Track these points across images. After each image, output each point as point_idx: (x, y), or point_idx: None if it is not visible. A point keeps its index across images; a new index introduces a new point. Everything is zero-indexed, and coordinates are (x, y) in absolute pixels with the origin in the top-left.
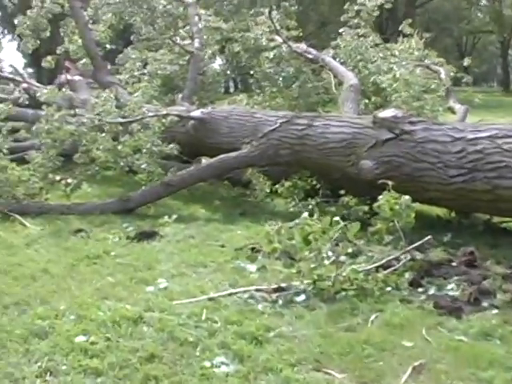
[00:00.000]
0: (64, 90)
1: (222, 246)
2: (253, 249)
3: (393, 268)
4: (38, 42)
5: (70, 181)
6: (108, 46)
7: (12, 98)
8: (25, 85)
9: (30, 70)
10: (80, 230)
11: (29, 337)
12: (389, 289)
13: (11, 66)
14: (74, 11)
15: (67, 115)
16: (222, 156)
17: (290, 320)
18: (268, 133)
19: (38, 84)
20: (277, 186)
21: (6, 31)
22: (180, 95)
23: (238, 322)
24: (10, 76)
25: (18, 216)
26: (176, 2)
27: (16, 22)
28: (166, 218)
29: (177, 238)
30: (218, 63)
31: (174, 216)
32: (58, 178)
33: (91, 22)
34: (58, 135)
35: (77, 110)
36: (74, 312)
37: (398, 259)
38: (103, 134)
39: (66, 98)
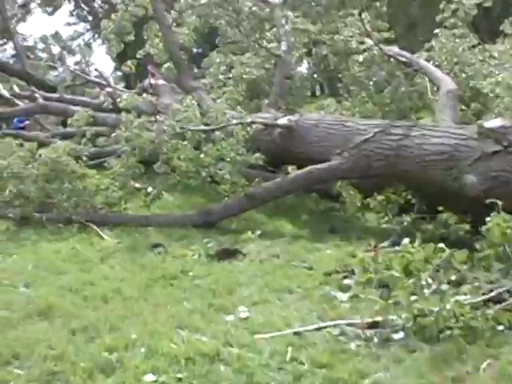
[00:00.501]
0: (145, 95)
1: (310, 269)
2: (345, 276)
3: (506, 303)
4: (123, 45)
5: (150, 190)
6: (194, 50)
7: (96, 102)
8: (109, 89)
9: (119, 74)
10: (158, 245)
11: (94, 371)
12: (501, 328)
13: (96, 69)
14: (158, 14)
15: (147, 122)
16: (310, 167)
17: (387, 364)
18: (360, 143)
19: (121, 88)
20: (368, 199)
21: (96, 36)
22: (266, 101)
23: (328, 364)
24: (96, 80)
25: (95, 227)
26: (262, 3)
27: (101, 25)
28: (249, 233)
29: (260, 257)
30: (304, 67)
31: (258, 232)
32: (137, 185)
33: (175, 24)
34: (138, 143)
35: (158, 117)
36: (144, 343)
37: (510, 291)
38: (185, 143)
39: (148, 103)
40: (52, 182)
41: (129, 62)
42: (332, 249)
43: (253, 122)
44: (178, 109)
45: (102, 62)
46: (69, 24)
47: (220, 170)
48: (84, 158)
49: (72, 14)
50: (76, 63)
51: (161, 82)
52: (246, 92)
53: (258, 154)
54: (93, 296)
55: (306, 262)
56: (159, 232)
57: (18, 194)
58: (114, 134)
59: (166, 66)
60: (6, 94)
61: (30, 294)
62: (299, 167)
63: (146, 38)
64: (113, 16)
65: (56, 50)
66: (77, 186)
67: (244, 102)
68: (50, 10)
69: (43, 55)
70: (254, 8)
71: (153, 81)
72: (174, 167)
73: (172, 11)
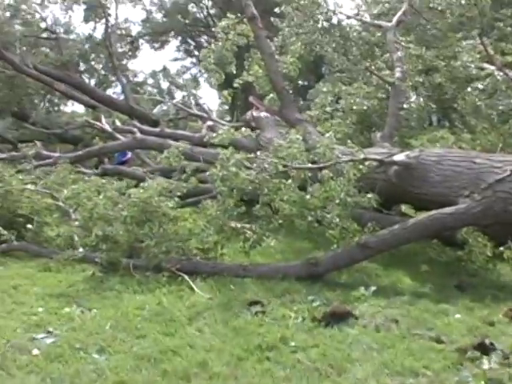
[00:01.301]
0: (245, 128)
1: (438, 341)
2: (483, 351)
3: None
4: (225, 76)
5: (248, 234)
6: (299, 82)
7: (197, 136)
8: (210, 122)
9: (226, 108)
10: (255, 303)
11: None
12: None
13: (197, 103)
14: (259, 41)
15: (246, 159)
16: (433, 212)
17: None
18: (494, 183)
19: (223, 122)
20: (501, 248)
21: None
22: (379, 134)
23: None
24: (198, 113)
25: (186, 277)
26: (373, 27)
27: (200, 56)
28: (362, 289)
29: (376, 322)
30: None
31: (372, 288)
32: (236, 225)
33: (278, 53)
34: (235, 183)
35: (258, 153)
36: None
37: None
38: (288, 182)
39: (249, 138)
40: (142, 225)
41: (225, 93)
42: (462, 312)
43: (365, 159)
44: (281, 144)
45: (209, 95)
46: (176, 59)
47: (328, 213)
48: (176, 199)
49: (179, 49)
50: (184, 97)
51: (263, 114)
52: (356, 125)
53: (371, 195)
54: (173, 370)
55: (432, 329)
56: (258, 284)
57: (105, 237)
58: (208, 173)
59: (268, 97)
60: (108, 128)
61: (102, 364)
62: (418, 209)
63: (246, 67)
64: (212, 45)
65: (165, 84)
66: (168, 229)
67: (354, 135)
68: (157, 45)
69: (152, 90)
70: (363, 33)
71: (255, 113)
72: (277, 209)
73: (275, 39)
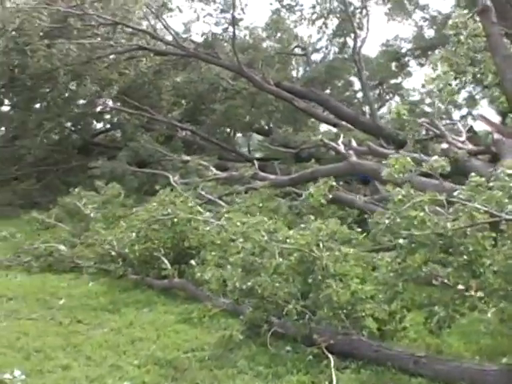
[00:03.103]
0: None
1: None
2: None
3: None
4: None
5: (437, 309)
6: None
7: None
8: (445, 145)
9: None
10: None
11: None
12: None
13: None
14: (493, 40)
15: (433, 201)
16: None
17: None
18: None
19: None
20: None
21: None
22: None
23: None
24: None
25: (332, 361)
26: None
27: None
28: None
29: None
30: None
31: None
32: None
33: None
34: (418, 235)
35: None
36: None
37: None
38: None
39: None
40: (298, 278)
41: None
42: None
43: None
44: (482, 183)
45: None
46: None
47: None
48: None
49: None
50: (462, 117)
51: (504, 137)
52: None
53: None
54: None
55: None
56: None
57: (250, 291)
58: (371, 220)
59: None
60: (341, 148)
61: None
62: None
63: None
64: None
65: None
66: (326, 289)
67: None
68: (423, 61)
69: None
70: None
71: (496, 135)
72: (477, 275)
73: None
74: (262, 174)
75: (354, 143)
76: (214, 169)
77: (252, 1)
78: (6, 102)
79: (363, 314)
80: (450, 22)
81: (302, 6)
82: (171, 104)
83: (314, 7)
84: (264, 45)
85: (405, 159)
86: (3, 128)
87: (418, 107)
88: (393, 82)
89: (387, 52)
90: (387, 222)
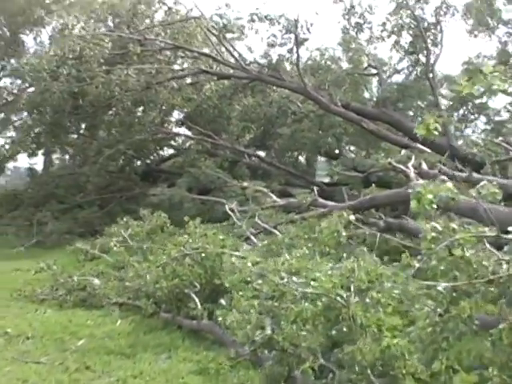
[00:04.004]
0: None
1: None
2: None
3: None
4: None
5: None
6: None
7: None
8: None
9: None
10: None
11: None
12: None
13: None
14: None
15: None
16: None
17: None
18: None
19: None
20: None
21: None
22: None
23: None
24: None
25: None
26: None
27: None
28: None
29: None
30: None
31: None
32: None
33: None
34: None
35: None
36: None
37: None
38: None
39: None
40: (323, 327)
41: None
42: None
43: None
44: None
45: None
46: None
47: None
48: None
49: None
50: None
51: None
52: None
53: None
54: None
55: None
56: None
57: (269, 341)
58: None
59: None
60: (411, 172)
61: None
62: None
63: None
64: None
65: None
66: (352, 344)
67: None
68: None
69: None
70: None
71: None
72: None
73: None
74: (322, 200)
75: (424, 166)
76: (273, 195)
77: (322, 21)
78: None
79: (402, 372)
80: None
81: (370, 23)
82: (241, 129)
83: (383, 24)
84: (335, 65)
85: (438, 187)
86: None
87: (504, 127)
88: (478, 101)
89: (469, 70)
90: (417, 264)
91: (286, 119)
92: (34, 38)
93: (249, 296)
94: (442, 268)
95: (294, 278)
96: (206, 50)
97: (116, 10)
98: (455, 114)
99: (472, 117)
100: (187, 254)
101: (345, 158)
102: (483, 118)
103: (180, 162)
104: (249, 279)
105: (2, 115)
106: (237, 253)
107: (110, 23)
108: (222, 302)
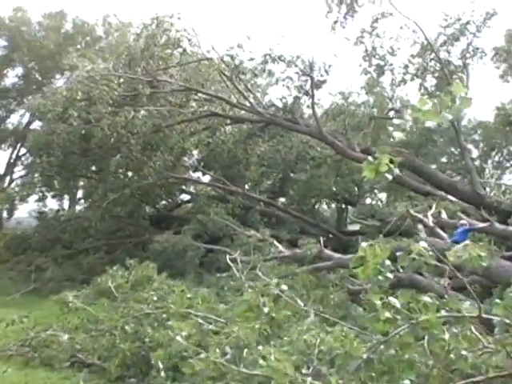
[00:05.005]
0: None
1: None
2: None
3: None
4: None
5: None
6: None
7: None
8: None
9: None
10: None
11: None
12: None
13: None
14: None
15: None
16: None
17: None
18: None
19: None
20: None
21: None
22: None
23: None
24: None
25: None
26: None
27: None
28: None
29: None
30: None
31: None
32: None
33: None
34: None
35: None
36: None
37: None
38: None
39: None
40: None
41: None
42: None
43: None
44: None
45: None
46: None
47: None
48: None
49: None
50: None
51: None
52: None
53: None
54: None
55: None
56: None
57: None
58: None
59: None
60: (429, 221)
61: None
62: None
63: None
64: None
65: None
66: None
67: None
68: None
69: None
70: None
71: None
72: None
73: None
74: (329, 252)
75: (444, 215)
76: (279, 245)
77: (342, 64)
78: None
79: None
80: None
81: (391, 65)
82: (259, 175)
83: (406, 67)
84: (358, 109)
85: (386, 249)
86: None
87: None
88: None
89: (502, 116)
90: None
91: (305, 165)
92: (65, 82)
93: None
94: (405, 357)
95: (244, 353)
96: (222, 93)
97: (131, 51)
98: (489, 160)
99: (508, 164)
100: (149, 314)
101: (363, 206)
102: None
103: (191, 208)
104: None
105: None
106: (200, 313)
107: (124, 65)
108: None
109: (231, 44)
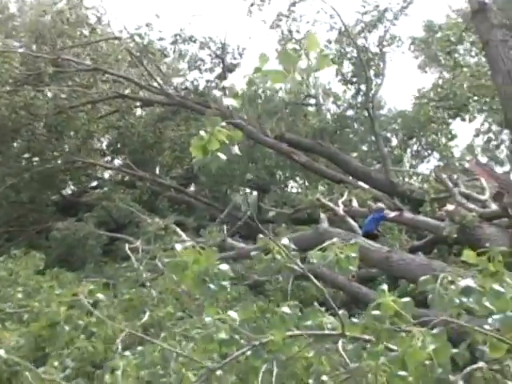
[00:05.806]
0: None
1: None
2: None
3: None
4: None
5: None
6: None
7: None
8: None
9: None
10: None
11: None
12: None
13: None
14: (490, 49)
15: None
16: None
17: None
18: None
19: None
20: None
21: None
22: None
23: None
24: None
25: None
26: None
27: None
28: None
29: None
30: None
31: None
32: None
33: None
34: None
35: None
36: None
37: None
38: None
39: None
40: None
41: None
42: None
43: None
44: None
45: None
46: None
47: None
48: None
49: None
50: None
51: None
52: None
53: None
54: None
55: None
56: None
57: None
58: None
59: None
60: (340, 210)
61: None
62: None
63: None
64: None
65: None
66: None
67: None
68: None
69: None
70: None
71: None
72: None
73: None
74: (232, 241)
75: (355, 203)
76: (183, 233)
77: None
78: None
79: None
80: None
81: (306, 50)
82: (173, 160)
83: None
84: (274, 95)
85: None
86: None
87: (459, 165)
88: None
89: (420, 104)
90: None
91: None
92: None
93: None
94: None
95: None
96: (133, 75)
97: (39, 28)
98: (408, 149)
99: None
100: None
101: (274, 193)
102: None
103: (102, 194)
104: None
105: None
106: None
107: (32, 42)
108: None
109: (140, 23)
